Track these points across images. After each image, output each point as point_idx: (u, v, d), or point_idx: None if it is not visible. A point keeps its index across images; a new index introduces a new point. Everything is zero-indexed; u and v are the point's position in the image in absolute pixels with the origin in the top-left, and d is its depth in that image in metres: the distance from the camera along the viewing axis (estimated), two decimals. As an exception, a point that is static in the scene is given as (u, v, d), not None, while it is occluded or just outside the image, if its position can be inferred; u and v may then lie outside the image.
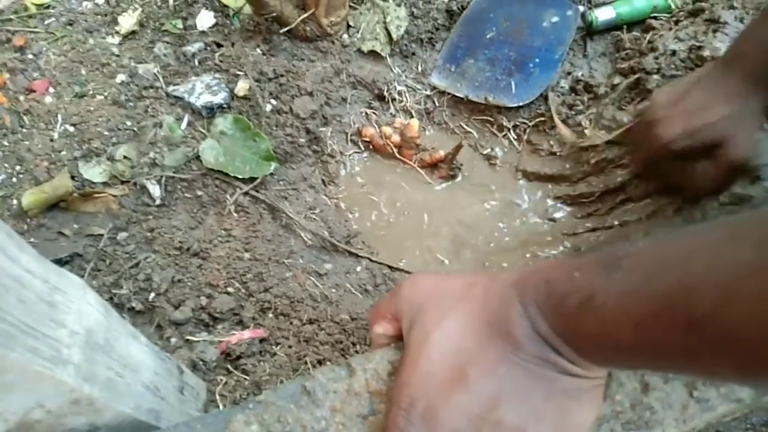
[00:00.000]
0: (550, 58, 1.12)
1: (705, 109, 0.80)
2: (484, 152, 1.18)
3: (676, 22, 1.12)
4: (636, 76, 1.08)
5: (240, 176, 1.02)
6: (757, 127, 0.83)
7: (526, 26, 1.16)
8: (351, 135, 1.19)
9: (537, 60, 1.13)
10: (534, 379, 0.43)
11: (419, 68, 1.23)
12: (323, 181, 1.15)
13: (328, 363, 0.84)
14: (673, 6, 1.15)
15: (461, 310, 0.46)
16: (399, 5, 1.22)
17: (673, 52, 1.06)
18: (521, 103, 1.12)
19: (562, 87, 1.15)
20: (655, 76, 1.06)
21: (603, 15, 1.15)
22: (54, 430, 0.50)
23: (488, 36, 1.18)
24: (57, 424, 0.50)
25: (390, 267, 1.04)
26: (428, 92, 1.22)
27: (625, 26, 1.15)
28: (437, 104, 1.22)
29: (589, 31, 1.17)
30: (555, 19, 1.14)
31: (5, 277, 0.37)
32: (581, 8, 1.16)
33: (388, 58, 1.22)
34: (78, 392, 0.45)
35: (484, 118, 1.19)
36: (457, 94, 1.18)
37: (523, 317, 0.42)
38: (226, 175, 1.02)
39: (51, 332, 0.42)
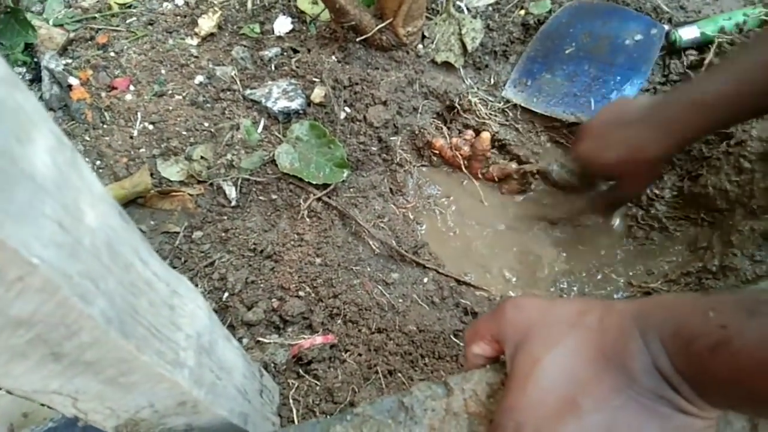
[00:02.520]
0: (632, 77, 1.10)
1: (641, 148, 0.87)
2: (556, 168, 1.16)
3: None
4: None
5: (314, 182, 1.03)
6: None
7: (608, 43, 1.14)
8: (420, 145, 1.19)
9: (618, 78, 1.11)
10: (648, 415, 0.42)
11: (492, 81, 1.23)
12: (391, 190, 1.16)
13: (422, 380, 0.84)
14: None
15: (574, 337, 0.45)
16: (475, 17, 1.22)
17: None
18: None
19: (639, 105, 1.13)
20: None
21: (687, 34, 1.12)
22: (153, 429, 0.52)
23: (567, 51, 1.16)
24: (158, 424, 0.51)
25: (457, 280, 1.04)
26: (500, 105, 1.21)
27: (713, 46, 1.12)
28: (509, 117, 1.21)
29: (671, 50, 1.15)
30: (639, 37, 1.12)
31: (140, 280, 0.38)
32: (666, 27, 1.13)
33: (461, 69, 1.21)
34: (188, 395, 0.46)
35: (558, 134, 1.17)
36: (533, 109, 1.16)
37: (643, 351, 0.42)
38: (300, 180, 1.04)
39: (172, 335, 0.43)
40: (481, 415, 0.49)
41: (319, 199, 1.04)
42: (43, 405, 0.67)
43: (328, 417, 0.51)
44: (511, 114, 1.21)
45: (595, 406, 0.42)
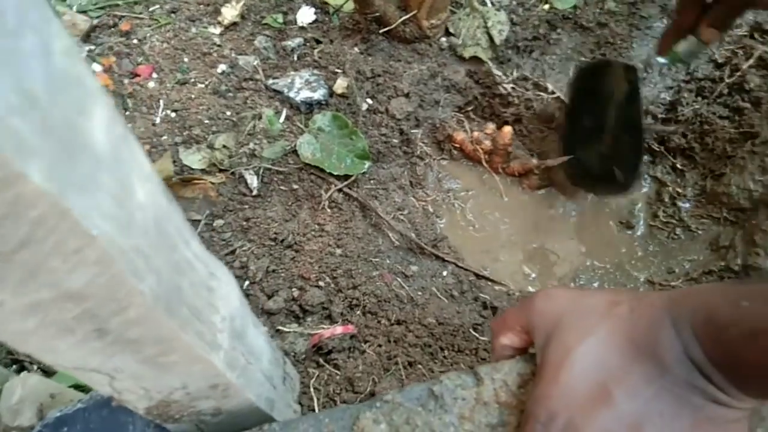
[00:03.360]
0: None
1: None
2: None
3: None
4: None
5: (335, 173, 1.03)
6: None
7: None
8: (441, 139, 1.18)
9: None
10: (680, 405, 0.42)
11: (514, 75, 1.22)
12: (411, 183, 1.15)
13: (442, 372, 0.84)
14: None
15: (605, 327, 0.45)
16: (498, 10, 1.21)
17: None
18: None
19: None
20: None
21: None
22: (184, 411, 0.52)
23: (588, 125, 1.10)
24: (188, 406, 0.51)
25: (476, 274, 1.04)
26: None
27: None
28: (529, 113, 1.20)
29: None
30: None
31: (182, 260, 0.38)
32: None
33: (489, 62, 1.21)
34: (221, 377, 0.46)
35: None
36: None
37: (674, 340, 0.42)
38: (322, 170, 1.04)
39: (210, 317, 0.43)
40: (512, 405, 0.49)
41: (339, 190, 1.04)
42: (69, 386, 0.68)
43: (357, 404, 0.51)
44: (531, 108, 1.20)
45: (628, 395, 0.42)
